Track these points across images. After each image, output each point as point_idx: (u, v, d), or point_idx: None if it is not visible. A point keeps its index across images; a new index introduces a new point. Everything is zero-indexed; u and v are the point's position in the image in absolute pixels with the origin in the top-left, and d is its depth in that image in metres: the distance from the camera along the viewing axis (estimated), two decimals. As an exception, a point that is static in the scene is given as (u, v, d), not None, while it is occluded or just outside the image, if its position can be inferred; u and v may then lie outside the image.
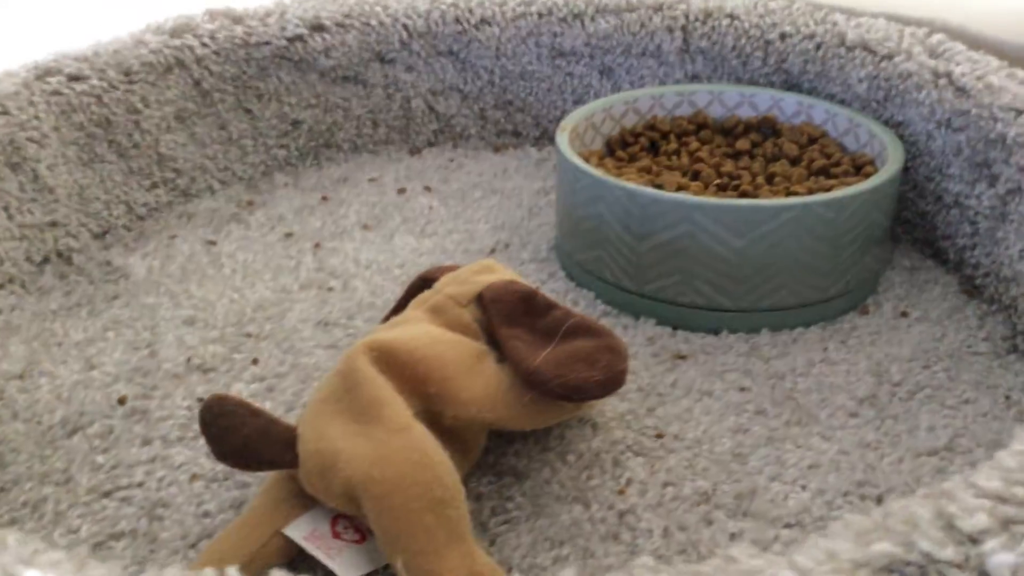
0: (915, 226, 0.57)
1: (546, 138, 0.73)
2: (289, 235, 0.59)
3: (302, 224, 0.60)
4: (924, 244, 0.56)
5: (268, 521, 0.34)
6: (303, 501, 0.35)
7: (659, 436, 0.41)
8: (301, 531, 0.34)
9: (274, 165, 0.68)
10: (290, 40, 0.65)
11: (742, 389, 0.44)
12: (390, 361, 0.35)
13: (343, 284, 0.53)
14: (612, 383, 0.35)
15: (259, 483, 0.38)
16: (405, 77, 0.70)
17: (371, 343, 0.36)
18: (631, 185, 0.48)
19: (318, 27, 0.66)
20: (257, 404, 0.42)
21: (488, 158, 0.71)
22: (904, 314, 0.50)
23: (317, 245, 0.58)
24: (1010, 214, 0.48)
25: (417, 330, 0.37)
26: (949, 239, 0.54)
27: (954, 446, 0.40)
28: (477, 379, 0.36)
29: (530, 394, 0.35)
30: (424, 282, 0.42)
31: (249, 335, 0.49)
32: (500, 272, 0.41)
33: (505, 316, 0.38)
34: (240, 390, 0.45)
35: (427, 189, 0.66)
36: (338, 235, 0.59)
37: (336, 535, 0.34)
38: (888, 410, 0.43)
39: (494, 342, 0.38)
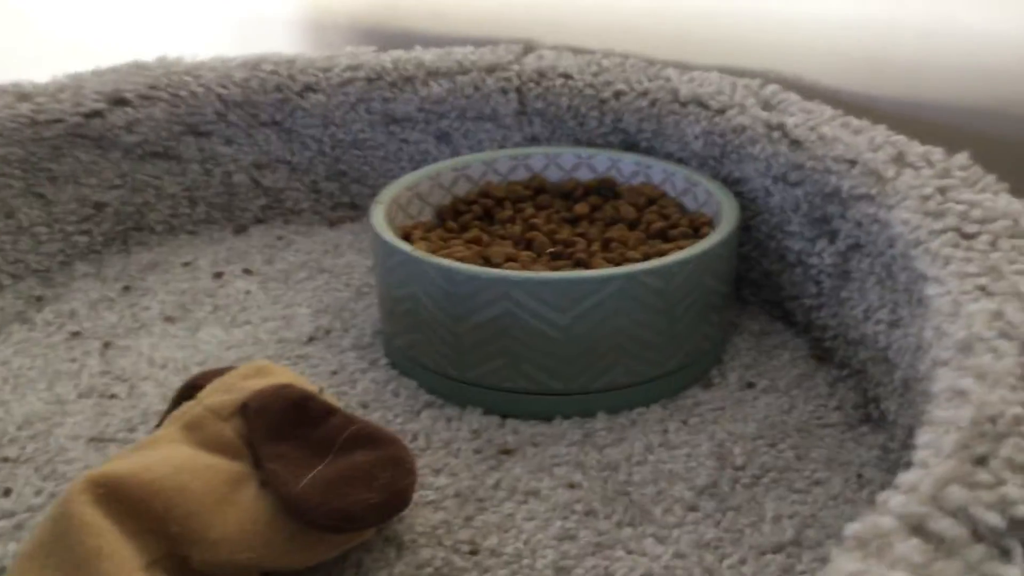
0: (761, 287, 0.54)
1: (385, 209, 0.68)
2: (76, 334, 0.52)
3: (95, 320, 0.54)
4: (772, 305, 0.53)
5: None
6: None
7: (473, 553, 0.36)
8: None
9: (74, 254, 0.61)
10: (87, 116, 0.59)
11: (571, 486, 0.39)
12: (120, 498, 0.29)
13: (129, 389, 0.47)
14: (392, 505, 0.30)
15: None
16: (224, 150, 0.64)
17: (96, 477, 0.29)
18: (444, 261, 0.43)
19: (119, 101, 0.60)
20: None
21: (322, 233, 0.66)
22: (751, 384, 0.46)
23: (107, 344, 0.51)
24: (852, 272, 0.45)
25: (158, 456, 0.31)
26: (796, 300, 0.51)
27: (802, 539, 0.36)
28: (230, 512, 0.30)
29: (293, 525, 0.30)
30: (191, 390, 0.36)
31: (6, 459, 0.42)
32: (276, 375, 0.35)
33: (271, 430, 0.32)
34: (-19, 529, 0.37)
35: (247, 272, 0.59)
36: (134, 331, 0.52)
37: None
38: (730, 500, 0.38)
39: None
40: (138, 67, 0.62)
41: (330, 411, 0.33)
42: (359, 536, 0.33)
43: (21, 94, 0.58)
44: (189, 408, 0.34)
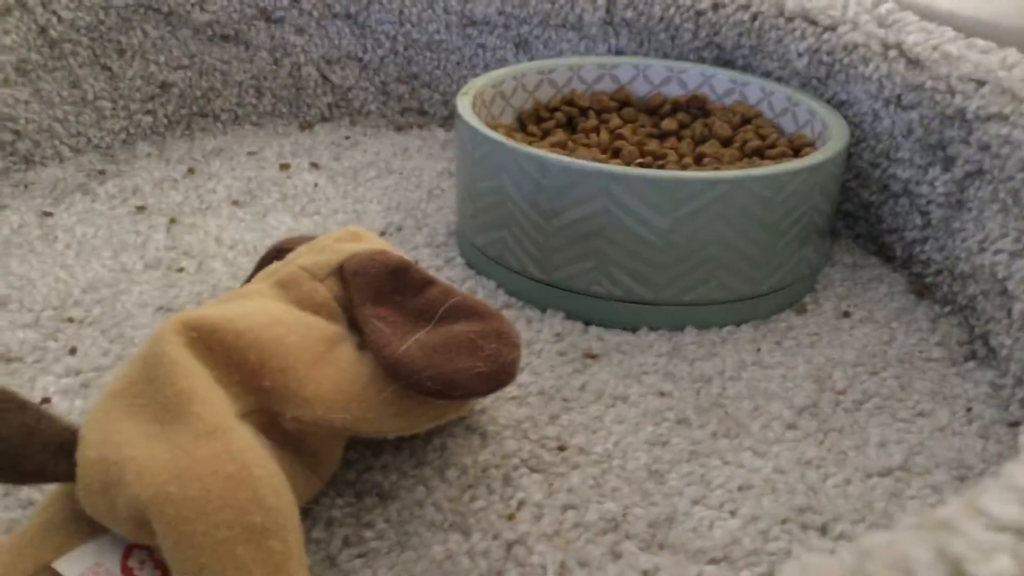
0: (857, 219, 0.51)
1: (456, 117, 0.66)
2: (141, 208, 0.50)
3: (160, 197, 0.52)
4: (867, 240, 0.50)
5: (34, 551, 0.26)
6: (85, 526, 0.26)
7: (561, 449, 0.34)
8: (78, 566, 0.25)
9: (137, 133, 0.59)
10: (159, -11, 0.57)
11: (662, 394, 0.37)
12: (212, 345, 0.27)
13: (198, 265, 0.45)
14: (499, 377, 0.28)
15: (43, 502, 0.30)
16: (295, 40, 0.62)
17: (187, 320, 0.27)
18: (538, 151, 0.41)
19: (193, -23, 0.58)
20: (59, 403, 0.33)
21: (389, 137, 0.64)
22: (846, 314, 0.44)
23: (173, 220, 0.49)
24: (968, 201, 0.42)
25: (253, 307, 0.29)
26: (896, 233, 0.48)
27: (910, 465, 0.34)
28: (326, 370, 0.28)
29: (393, 387, 0.28)
30: (278, 253, 0.34)
31: (71, 320, 0.40)
32: (369, 241, 0.33)
33: (370, 292, 0.30)
34: (47, 386, 0.36)
35: (314, 166, 0.57)
36: (201, 211, 0.50)
37: (128, 571, 0.26)
38: (832, 422, 0.36)
39: (357, 325, 0.30)
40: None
41: (429, 281, 0.31)
42: (456, 409, 0.31)
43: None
44: (281, 266, 0.32)
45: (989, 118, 0.40)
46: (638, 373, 0.39)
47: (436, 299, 0.30)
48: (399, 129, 0.65)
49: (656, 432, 0.35)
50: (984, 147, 0.40)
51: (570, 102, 0.54)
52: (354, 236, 0.33)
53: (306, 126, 0.64)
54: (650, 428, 0.35)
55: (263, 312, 0.28)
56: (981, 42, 0.44)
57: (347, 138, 0.62)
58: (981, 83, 0.41)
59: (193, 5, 0.57)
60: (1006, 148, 0.39)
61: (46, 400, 0.35)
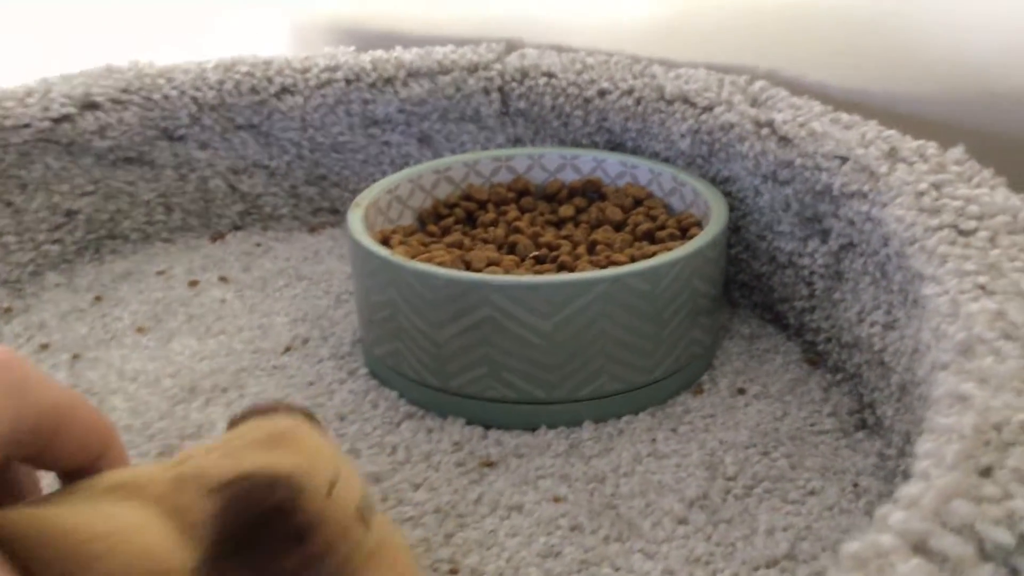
0: (752, 289, 0.52)
1: (367, 214, 0.67)
2: (45, 346, 0.50)
3: (65, 332, 0.52)
4: (763, 308, 0.52)
5: None
6: None
7: (453, 572, 0.34)
8: None
9: (45, 263, 0.59)
10: (56, 121, 0.57)
11: (556, 500, 0.38)
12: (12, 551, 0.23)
13: (98, 403, 0.45)
14: None
15: None
16: (199, 155, 0.63)
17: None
18: (422, 266, 0.42)
19: (89, 105, 0.58)
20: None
21: (301, 240, 0.64)
22: (741, 391, 0.45)
23: (76, 356, 0.49)
24: (845, 272, 0.44)
25: (86, 511, 0.25)
26: (787, 302, 0.49)
27: (796, 553, 0.34)
28: None
29: None
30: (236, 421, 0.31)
31: (-34, 478, 0.40)
32: (295, 447, 0.29)
33: (227, 538, 0.26)
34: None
35: (223, 280, 0.58)
36: (105, 342, 0.50)
37: None
38: (721, 512, 0.36)
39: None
40: (109, 70, 0.60)
41: (301, 538, 0.27)
42: None
43: (-13, 99, 0.56)
44: (196, 453, 0.28)
45: (852, 195, 0.41)
46: (534, 478, 0.39)
47: (297, 568, 0.26)
48: (312, 230, 0.66)
49: (549, 543, 0.35)
50: (851, 222, 0.42)
51: (468, 197, 0.55)
52: (277, 440, 0.29)
53: (217, 236, 0.64)
54: (543, 539, 0.35)
55: (96, 519, 0.25)
56: (846, 116, 0.46)
57: (258, 245, 0.63)
58: (844, 159, 0.42)
59: (93, 133, 0.58)
60: (868, 224, 0.40)
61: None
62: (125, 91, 0.59)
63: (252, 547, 0.26)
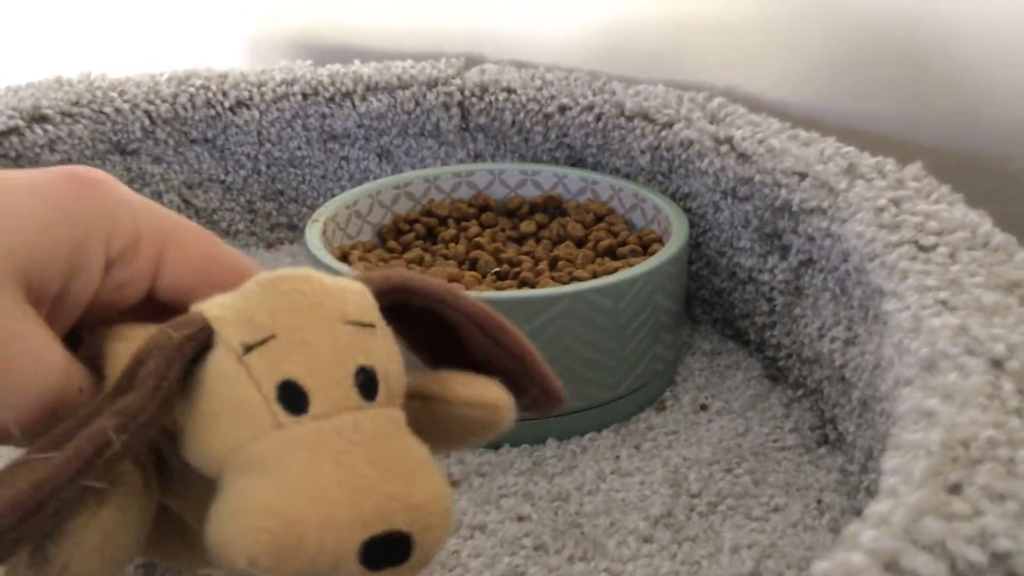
0: (713, 305, 0.52)
1: (324, 230, 0.66)
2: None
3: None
4: (724, 324, 0.52)
5: None
6: None
7: (414, 594, 0.33)
8: None
9: (-10, 280, 0.57)
10: (3, 134, 0.56)
11: (520, 519, 0.37)
12: None
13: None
14: None
15: None
16: (153, 169, 0.61)
17: None
18: (382, 283, 0.41)
19: (38, 118, 0.57)
20: None
21: (258, 256, 0.63)
22: (704, 407, 0.44)
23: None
24: (805, 288, 0.44)
25: None
26: (748, 318, 0.49)
27: (761, 570, 0.34)
28: None
29: None
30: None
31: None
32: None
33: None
34: None
35: (176, 297, 0.56)
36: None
37: None
38: (686, 530, 0.36)
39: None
40: (59, 83, 0.59)
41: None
42: None
43: (-70, 111, 0.54)
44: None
45: (812, 211, 0.41)
46: (497, 497, 0.38)
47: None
48: (269, 246, 0.65)
49: (513, 563, 0.35)
50: (811, 238, 0.42)
51: (429, 212, 0.55)
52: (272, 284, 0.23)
53: (172, 253, 0.63)
54: (507, 559, 0.35)
55: None
56: (804, 133, 0.46)
57: (214, 262, 0.62)
58: (803, 176, 0.43)
59: (42, 147, 0.57)
60: (828, 240, 0.40)
61: None
62: (76, 104, 0.58)
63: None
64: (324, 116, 0.62)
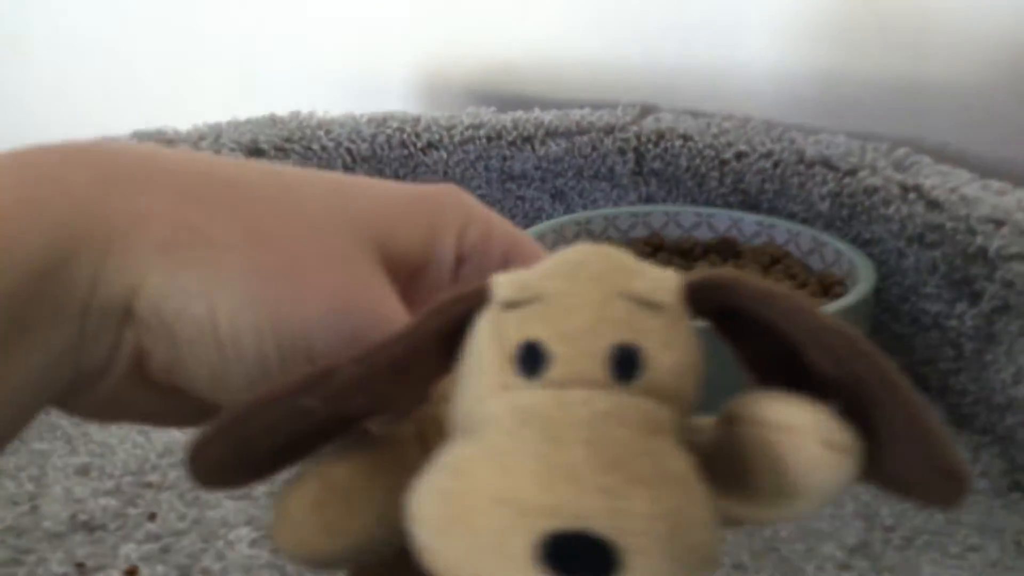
0: (891, 351, 0.52)
1: (497, 265, 0.69)
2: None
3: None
4: (903, 371, 0.52)
5: None
6: None
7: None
8: None
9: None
10: (222, 164, 0.62)
11: (715, 539, 0.38)
12: None
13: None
14: None
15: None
16: (346, 203, 0.66)
17: None
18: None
19: (255, 151, 0.63)
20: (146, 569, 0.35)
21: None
22: (890, 447, 0.45)
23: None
24: (998, 335, 0.44)
25: None
26: (930, 364, 0.49)
27: (964, 603, 0.34)
28: None
29: None
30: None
31: (149, 485, 0.43)
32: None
33: None
34: (129, 553, 0.38)
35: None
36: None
37: None
38: (884, 560, 0.37)
39: None
40: (273, 120, 0.65)
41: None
42: None
43: (165, 140, 0.61)
44: None
45: (1011, 258, 0.42)
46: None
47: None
48: (445, 278, 0.69)
49: (712, 578, 0.36)
50: (1008, 284, 0.42)
51: (607, 250, 0.57)
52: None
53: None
54: None
55: None
56: (996, 183, 0.47)
57: (396, 290, 0.66)
58: (1000, 223, 0.43)
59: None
60: (1028, 286, 0.41)
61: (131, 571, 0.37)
62: (288, 140, 0.63)
63: None
64: (505, 158, 0.66)
